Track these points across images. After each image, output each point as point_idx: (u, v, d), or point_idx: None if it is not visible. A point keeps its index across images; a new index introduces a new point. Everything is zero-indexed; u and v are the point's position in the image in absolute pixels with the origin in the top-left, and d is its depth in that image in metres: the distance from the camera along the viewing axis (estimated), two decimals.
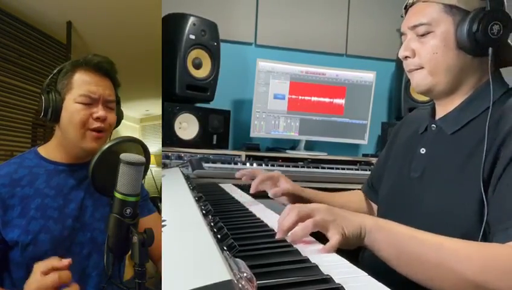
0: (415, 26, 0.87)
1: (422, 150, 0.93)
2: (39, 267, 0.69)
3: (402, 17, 0.93)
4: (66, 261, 0.70)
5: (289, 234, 0.73)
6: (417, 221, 0.72)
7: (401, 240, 0.69)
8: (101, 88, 0.93)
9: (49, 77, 0.94)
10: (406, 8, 0.91)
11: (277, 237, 0.73)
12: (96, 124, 0.92)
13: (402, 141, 1.05)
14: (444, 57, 0.84)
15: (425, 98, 2.41)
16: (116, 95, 1.01)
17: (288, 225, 0.72)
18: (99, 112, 0.91)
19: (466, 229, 0.73)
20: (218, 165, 1.76)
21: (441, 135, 0.90)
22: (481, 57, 0.84)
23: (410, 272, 0.67)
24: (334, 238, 0.68)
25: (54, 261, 0.70)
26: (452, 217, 0.79)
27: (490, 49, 0.81)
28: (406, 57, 0.90)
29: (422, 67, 0.87)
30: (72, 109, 0.91)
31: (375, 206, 1.17)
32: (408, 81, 2.43)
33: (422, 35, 0.86)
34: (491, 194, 0.74)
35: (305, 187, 1.18)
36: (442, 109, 0.91)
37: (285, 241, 0.71)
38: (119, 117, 1.02)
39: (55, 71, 0.95)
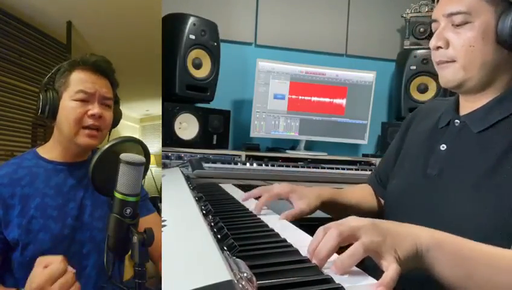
0: (451, 14, 0.79)
1: (443, 147, 0.86)
2: (41, 261, 0.70)
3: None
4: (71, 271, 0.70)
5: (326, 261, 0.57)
6: (431, 223, 0.64)
7: (469, 259, 0.58)
8: (97, 86, 0.94)
9: (47, 76, 0.96)
10: None
11: (315, 262, 0.56)
12: (91, 122, 0.92)
13: (416, 134, 0.98)
14: (481, 51, 0.78)
15: (426, 99, 2.40)
16: (115, 95, 1.01)
17: (328, 251, 0.56)
18: (95, 109, 0.92)
19: (490, 241, 0.63)
20: (218, 165, 1.76)
21: (465, 132, 0.84)
22: None
23: None
24: (392, 268, 0.53)
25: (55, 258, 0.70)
26: (475, 225, 0.73)
27: None
28: (438, 48, 0.82)
29: (454, 61, 0.81)
30: (68, 106, 0.92)
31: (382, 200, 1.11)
32: (408, 81, 2.43)
33: (459, 25, 0.78)
34: None
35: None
36: (469, 105, 0.85)
37: (285, 241, 0.70)
38: (118, 117, 1.02)
39: (53, 70, 0.97)
